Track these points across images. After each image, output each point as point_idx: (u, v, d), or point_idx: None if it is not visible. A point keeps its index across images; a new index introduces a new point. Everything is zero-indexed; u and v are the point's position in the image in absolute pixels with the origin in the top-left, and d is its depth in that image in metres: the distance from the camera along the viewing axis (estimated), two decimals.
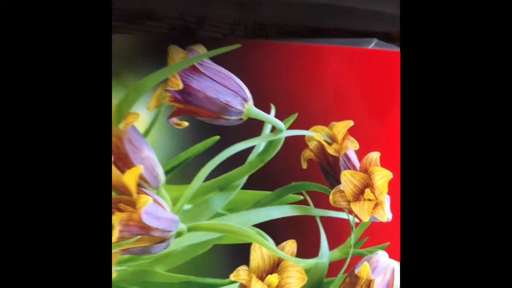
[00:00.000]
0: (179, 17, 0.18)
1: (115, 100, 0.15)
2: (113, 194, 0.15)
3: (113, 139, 0.15)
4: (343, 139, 0.17)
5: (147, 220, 0.15)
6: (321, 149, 0.17)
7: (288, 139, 0.17)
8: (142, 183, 0.15)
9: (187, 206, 0.16)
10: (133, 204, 0.15)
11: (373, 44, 0.19)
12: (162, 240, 0.16)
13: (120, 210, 0.15)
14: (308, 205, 0.17)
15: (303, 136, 0.17)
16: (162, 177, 0.15)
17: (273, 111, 0.16)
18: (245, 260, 0.16)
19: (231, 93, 0.16)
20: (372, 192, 0.17)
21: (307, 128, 0.17)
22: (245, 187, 0.16)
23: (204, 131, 0.16)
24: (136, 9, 0.18)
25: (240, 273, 0.16)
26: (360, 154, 0.18)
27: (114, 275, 0.15)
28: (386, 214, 0.18)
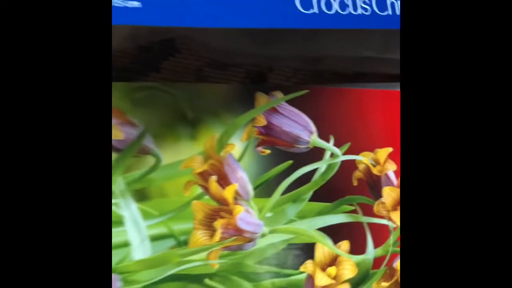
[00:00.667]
0: (254, 65, 0.23)
1: (216, 134, 0.20)
2: (216, 204, 0.20)
3: (216, 163, 0.20)
4: (385, 162, 0.22)
5: (241, 225, 0.20)
6: (368, 170, 0.22)
7: (343, 162, 0.21)
8: (237, 197, 0.20)
9: (268, 214, 0.20)
10: (230, 212, 0.20)
11: None
12: (251, 240, 0.20)
13: (221, 217, 0.20)
14: (358, 213, 0.22)
15: (354, 160, 0.22)
16: (251, 192, 0.20)
17: (331, 141, 0.21)
18: (311, 256, 0.21)
19: (301, 127, 0.21)
20: None
21: (357, 154, 0.22)
22: (311, 199, 0.21)
23: (281, 157, 0.21)
24: (222, 61, 0.22)
25: (308, 266, 0.21)
26: (397, 173, 0.22)
27: (216, 266, 0.20)
28: None
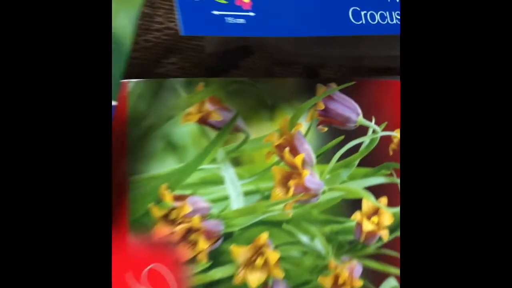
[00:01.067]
0: (309, 63, 0.29)
1: (288, 116, 0.26)
2: (289, 169, 0.26)
3: (288, 138, 0.26)
4: None
5: (307, 184, 0.26)
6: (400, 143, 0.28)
7: (382, 137, 0.28)
8: (304, 163, 0.26)
9: (327, 176, 0.27)
10: (300, 175, 0.26)
11: None
12: (315, 195, 0.27)
13: (293, 179, 0.26)
14: (393, 176, 0.28)
15: (390, 135, 0.28)
16: (314, 160, 0.27)
17: (373, 121, 0.28)
18: (359, 208, 0.27)
19: (350, 111, 0.27)
20: None
21: (392, 131, 0.28)
22: (358, 165, 0.27)
23: (335, 133, 0.27)
24: (286, 60, 0.29)
25: (357, 215, 0.27)
26: None
27: (290, 215, 0.26)
28: None
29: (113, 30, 0.20)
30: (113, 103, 0.21)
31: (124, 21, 0.21)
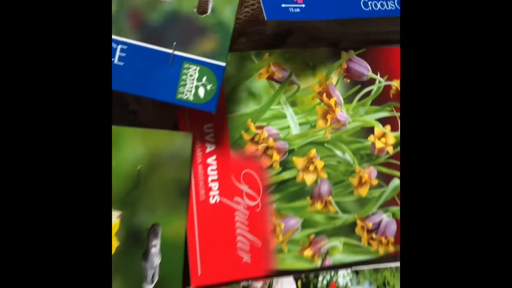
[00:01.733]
0: (331, 38, 0.43)
1: (324, 73, 0.39)
2: (326, 107, 0.39)
3: (325, 87, 0.39)
4: None
5: (339, 117, 0.39)
6: (397, 89, 0.42)
7: (385, 85, 0.41)
8: (335, 103, 0.40)
9: (351, 112, 0.40)
10: (333, 111, 0.39)
11: None
12: (344, 125, 0.40)
13: (329, 113, 0.39)
14: (393, 111, 0.41)
15: (390, 84, 0.41)
16: (342, 101, 0.40)
17: (379, 74, 0.41)
18: (372, 132, 0.40)
19: (364, 68, 0.41)
20: None
21: (391, 81, 0.41)
22: (371, 104, 0.41)
23: (355, 83, 0.40)
24: (317, 36, 0.42)
25: (371, 137, 0.40)
26: None
27: (329, 138, 0.39)
28: None
29: (221, 19, 0.33)
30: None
31: (229, 13, 0.33)
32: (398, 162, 0.40)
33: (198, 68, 0.33)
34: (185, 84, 0.33)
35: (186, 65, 0.33)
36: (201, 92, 0.33)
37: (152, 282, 0.33)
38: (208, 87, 0.33)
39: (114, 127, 0.33)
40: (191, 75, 0.33)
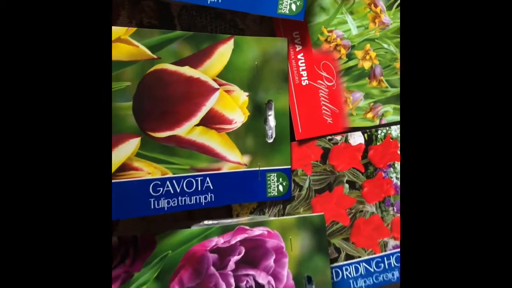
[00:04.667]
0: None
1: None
2: (374, 14, 0.55)
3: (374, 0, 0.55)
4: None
5: (384, 20, 0.55)
6: None
7: None
8: (381, 11, 0.55)
9: (391, 16, 0.56)
10: (379, 16, 0.55)
11: None
12: (388, 25, 0.56)
13: (377, 18, 0.55)
14: None
15: None
16: (385, 8, 0.56)
17: None
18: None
19: None
20: None
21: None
22: None
23: None
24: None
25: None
26: None
27: (378, 35, 0.55)
28: None
29: None
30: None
31: None
32: None
33: None
34: (282, 2, 0.49)
35: None
36: (293, 7, 0.49)
37: (272, 137, 0.51)
38: (298, 3, 0.49)
39: (236, 37, 0.49)
40: None
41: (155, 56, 0.44)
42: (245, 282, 0.46)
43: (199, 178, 0.46)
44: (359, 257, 0.53)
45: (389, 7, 0.55)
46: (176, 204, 0.45)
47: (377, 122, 0.54)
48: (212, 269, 0.45)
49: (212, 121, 0.47)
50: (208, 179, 0.47)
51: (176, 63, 0.45)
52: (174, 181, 0.45)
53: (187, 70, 0.46)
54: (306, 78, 0.53)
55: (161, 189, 0.44)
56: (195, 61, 0.46)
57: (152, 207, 0.44)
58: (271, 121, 0.51)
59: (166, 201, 0.45)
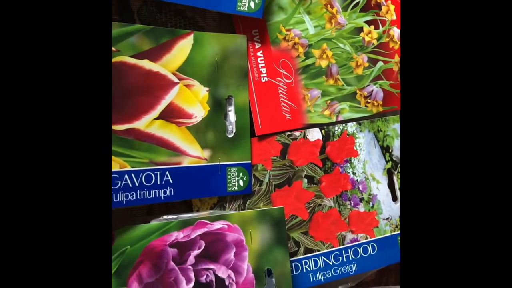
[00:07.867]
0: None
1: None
2: (330, 14, 0.57)
3: (330, 0, 0.57)
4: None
5: (340, 21, 0.57)
6: (376, 1, 0.60)
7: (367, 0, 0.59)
8: (337, 11, 0.57)
9: (347, 17, 0.58)
10: (336, 17, 0.57)
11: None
12: (343, 26, 0.58)
13: (333, 19, 0.57)
14: (374, 16, 0.60)
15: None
16: (340, 10, 0.58)
17: None
18: (362, 31, 0.59)
19: None
20: None
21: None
22: (359, 11, 0.59)
23: None
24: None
25: (361, 34, 0.59)
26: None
27: (334, 35, 0.57)
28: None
29: None
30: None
31: None
32: (381, 50, 0.59)
33: None
34: (242, 0, 0.50)
35: None
36: (252, 4, 0.50)
37: (232, 132, 0.51)
38: (257, 0, 0.50)
39: (196, 32, 0.50)
40: None
41: (114, 49, 0.44)
42: (205, 277, 0.46)
43: (158, 172, 0.46)
44: (318, 250, 0.54)
45: (344, 8, 0.57)
46: (134, 197, 0.45)
47: (334, 119, 0.56)
48: (172, 263, 0.45)
49: (171, 115, 0.47)
50: (167, 173, 0.47)
51: (135, 56, 0.45)
52: (132, 174, 0.45)
53: (146, 64, 0.46)
54: (265, 75, 0.54)
55: (119, 182, 0.44)
56: (155, 55, 0.46)
57: None
58: (231, 116, 0.52)
59: (124, 194, 0.44)
